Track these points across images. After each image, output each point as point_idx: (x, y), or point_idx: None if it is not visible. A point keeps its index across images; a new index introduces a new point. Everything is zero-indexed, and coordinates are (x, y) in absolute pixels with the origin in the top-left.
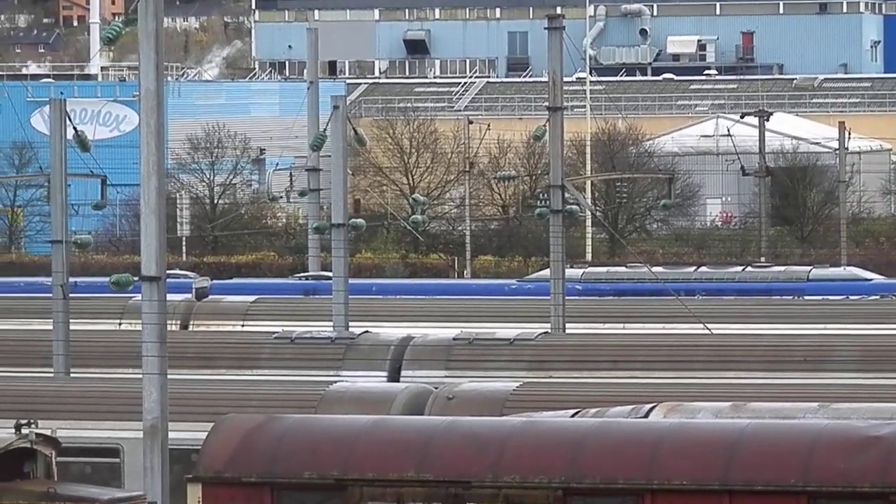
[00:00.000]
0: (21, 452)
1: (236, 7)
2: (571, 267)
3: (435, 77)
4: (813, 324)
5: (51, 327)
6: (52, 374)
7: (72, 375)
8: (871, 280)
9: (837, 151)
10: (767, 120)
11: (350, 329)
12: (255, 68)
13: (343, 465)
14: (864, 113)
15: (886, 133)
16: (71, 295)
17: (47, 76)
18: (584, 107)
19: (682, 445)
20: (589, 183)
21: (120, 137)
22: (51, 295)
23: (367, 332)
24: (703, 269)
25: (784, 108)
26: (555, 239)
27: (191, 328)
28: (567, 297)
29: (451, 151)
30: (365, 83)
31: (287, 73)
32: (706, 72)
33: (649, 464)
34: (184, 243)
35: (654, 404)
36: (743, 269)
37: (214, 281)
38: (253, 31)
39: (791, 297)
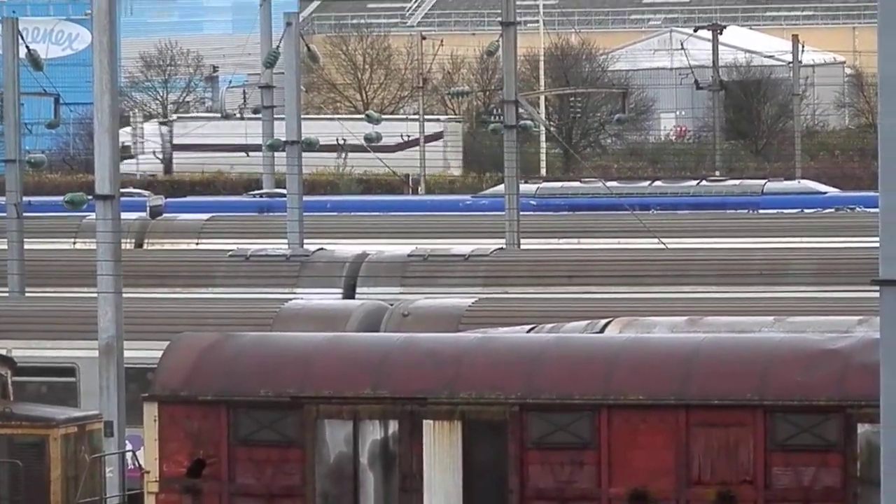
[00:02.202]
0: None
1: None
2: (526, 182)
3: None
4: (768, 237)
5: (5, 247)
6: (6, 294)
7: (27, 295)
8: (825, 193)
9: (791, 65)
10: (721, 33)
11: (305, 246)
12: None
13: (299, 383)
14: (817, 26)
15: (840, 46)
16: (25, 214)
17: None
18: (538, 21)
19: (638, 360)
20: (543, 98)
21: (73, 56)
22: (4, 214)
23: (321, 249)
24: (658, 183)
25: (737, 22)
26: (509, 154)
27: (145, 246)
28: (522, 213)
29: (404, 68)
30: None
31: None
32: None
33: (605, 379)
34: (137, 161)
35: (610, 319)
36: (698, 184)
37: (169, 199)
38: None
39: (746, 211)
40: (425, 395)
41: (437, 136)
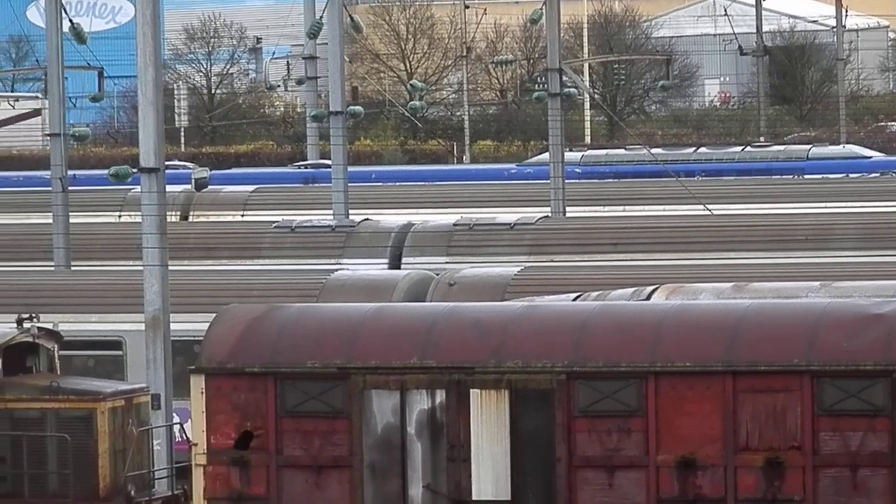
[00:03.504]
0: (23, 346)
1: None
2: (570, 150)
3: None
4: (813, 202)
5: (51, 221)
6: (52, 268)
7: (72, 269)
8: (870, 157)
9: (835, 29)
10: None
11: (350, 217)
12: None
13: (346, 354)
14: None
15: (884, 10)
16: (70, 188)
17: None
18: None
19: (685, 327)
20: (587, 66)
21: (116, 29)
22: (50, 188)
23: (367, 219)
24: (703, 149)
25: None
26: (553, 122)
27: (191, 219)
28: (567, 181)
29: (448, 37)
30: None
31: None
32: None
33: (652, 346)
34: (182, 134)
35: (656, 286)
36: (742, 149)
37: (213, 171)
38: None
39: (791, 177)
40: (472, 364)
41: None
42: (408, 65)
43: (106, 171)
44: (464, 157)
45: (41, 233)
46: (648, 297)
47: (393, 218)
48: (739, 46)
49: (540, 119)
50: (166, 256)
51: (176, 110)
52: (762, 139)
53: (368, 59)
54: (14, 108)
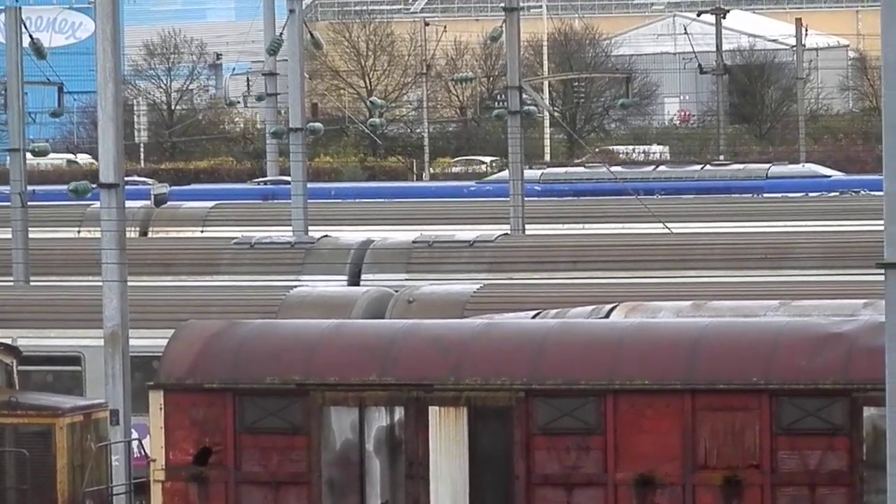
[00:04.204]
0: None
1: None
2: (530, 168)
3: None
4: (773, 221)
5: (9, 236)
6: (11, 283)
7: (31, 284)
8: (829, 177)
9: (795, 48)
10: (724, 17)
11: (309, 233)
12: None
13: (305, 370)
14: (820, 9)
15: (843, 29)
16: (29, 203)
17: None
18: (541, 6)
19: (644, 345)
20: (546, 83)
21: (76, 44)
22: (9, 203)
23: (326, 236)
24: (662, 168)
25: (741, 5)
26: (513, 140)
27: (150, 235)
28: (526, 199)
29: (407, 54)
30: None
31: None
32: None
33: (611, 364)
34: (142, 150)
35: (615, 304)
36: (702, 168)
37: (173, 187)
38: None
39: (750, 195)
40: (431, 381)
41: None
42: (367, 82)
43: (65, 187)
44: (423, 175)
45: (0, 248)
46: (607, 315)
47: (352, 235)
48: (699, 65)
49: (499, 136)
50: (125, 272)
51: (136, 126)
52: (722, 157)
53: (328, 75)
54: None
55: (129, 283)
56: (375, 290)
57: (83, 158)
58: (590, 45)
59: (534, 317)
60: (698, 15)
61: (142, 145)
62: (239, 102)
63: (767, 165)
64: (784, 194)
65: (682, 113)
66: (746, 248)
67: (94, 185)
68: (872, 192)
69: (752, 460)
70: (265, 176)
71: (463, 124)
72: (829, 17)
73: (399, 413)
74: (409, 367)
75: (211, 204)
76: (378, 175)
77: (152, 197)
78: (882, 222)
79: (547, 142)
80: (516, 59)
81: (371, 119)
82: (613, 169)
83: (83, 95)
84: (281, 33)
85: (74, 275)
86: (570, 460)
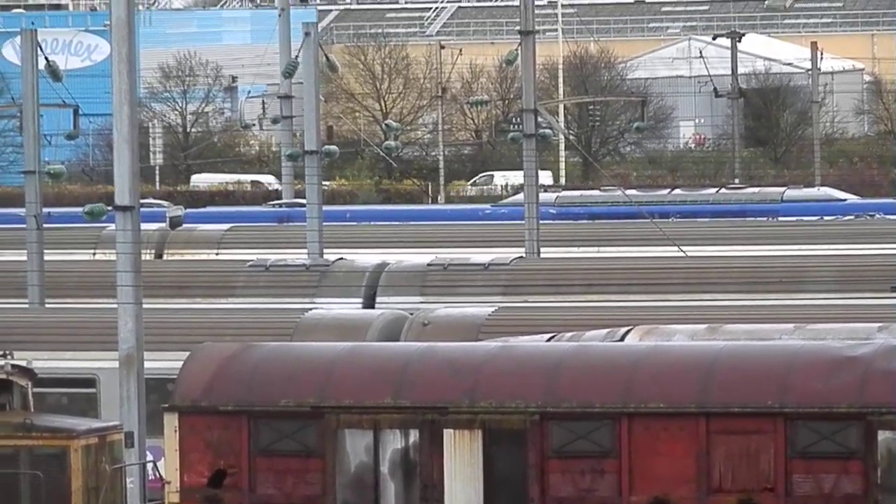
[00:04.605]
0: None
1: None
2: (545, 191)
3: (406, 2)
4: (788, 245)
5: (25, 258)
6: (27, 305)
7: (47, 306)
8: (844, 200)
9: (810, 72)
10: (739, 41)
11: (325, 256)
12: None
13: (319, 393)
14: (836, 33)
15: (858, 53)
16: (45, 225)
17: (18, 6)
18: (556, 30)
19: (659, 368)
20: (562, 107)
21: (92, 67)
22: (25, 226)
23: (341, 259)
24: (678, 191)
25: (756, 29)
26: (528, 163)
27: (165, 257)
28: (541, 222)
29: (423, 77)
30: (336, 9)
31: (258, 0)
32: None
33: (626, 387)
34: (157, 172)
35: (630, 328)
36: (717, 191)
37: (188, 210)
38: None
39: (765, 219)
40: (446, 404)
41: None
42: (383, 104)
43: (81, 209)
44: (438, 198)
45: (16, 270)
46: (622, 339)
47: (367, 257)
48: (714, 88)
49: (515, 159)
50: (140, 294)
51: (151, 148)
52: (737, 181)
53: (344, 98)
54: None
55: (144, 306)
56: (390, 313)
57: (266, 178)
58: (605, 69)
59: (549, 340)
60: (714, 38)
61: (157, 168)
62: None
63: (782, 189)
64: (799, 218)
65: (697, 136)
66: (761, 272)
67: (109, 208)
68: (887, 216)
69: (767, 483)
70: (280, 199)
71: (478, 147)
72: (844, 40)
73: (414, 436)
74: (423, 390)
75: (226, 227)
76: (393, 198)
77: (168, 219)
78: None
79: (562, 164)
80: (532, 82)
81: (386, 142)
82: (629, 192)
83: (99, 118)
84: (296, 56)
85: (90, 297)
86: (585, 483)
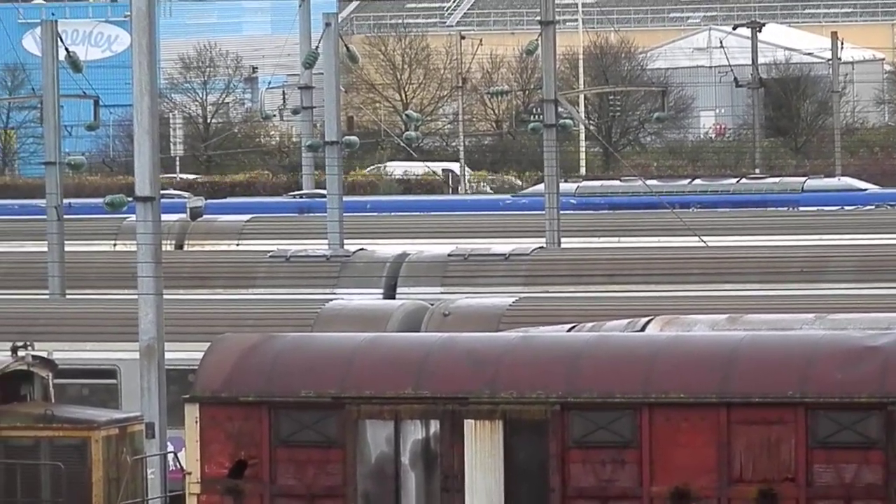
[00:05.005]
0: (18, 375)
1: None
2: (566, 181)
3: None
4: (808, 235)
5: (46, 249)
6: (47, 296)
7: (67, 297)
8: (865, 190)
9: (830, 62)
10: (760, 31)
11: (345, 247)
12: None
13: (340, 383)
14: (856, 22)
15: (879, 42)
16: (65, 216)
17: None
18: (577, 20)
19: (679, 358)
20: (582, 97)
21: (112, 58)
22: (45, 217)
23: (362, 249)
24: (698, 181)
25: (776, 19)
26: (549, 153)
27: (186, 248)
28: (562, 212)
29: (443, 67)
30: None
31: None
32: None
33: (646, 377)
34: (177, 163)
35: (651, 318)
36: (737, 181)
37: (209, 200)
38: None
39: (786, 209)
40: (466, 394)
41: None
42: (403, 95)
43: (101, 200)
44: (459, 188)
45: (36, 261)
46: (643, 329)
47: (388, 248)
48: (735, 78)
49: (535, 150)
50: (161, 285)
51: (171, 139)
52: (757, 171)
53: (364, 88)
54: None
55: (165, 297)
56: (411, 304)
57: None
58: (625, 59)
59: (569, 330)
60: (734, 28)
61: (178, 158)
62: (275, 116)
63: (803, 179)
64: (820, 208)
65: (718, 126)
66: (782, 262)
67: (130, 199)
68: None
69: (788, 474)
70: (301, 189)
71: (499, 137)
72: (864, 30)
73: (434, 426)
74: (444, 381)
75: (247, 217)
76: (413, 188)
77: (188, 210)
78: None
79: (583, 155)
80: (552, 73)
81: (407, 132)
82: (649, 182)
83: (119, 109)
84: (317, 47)
85: (110, 288)
86: (606, 473)
